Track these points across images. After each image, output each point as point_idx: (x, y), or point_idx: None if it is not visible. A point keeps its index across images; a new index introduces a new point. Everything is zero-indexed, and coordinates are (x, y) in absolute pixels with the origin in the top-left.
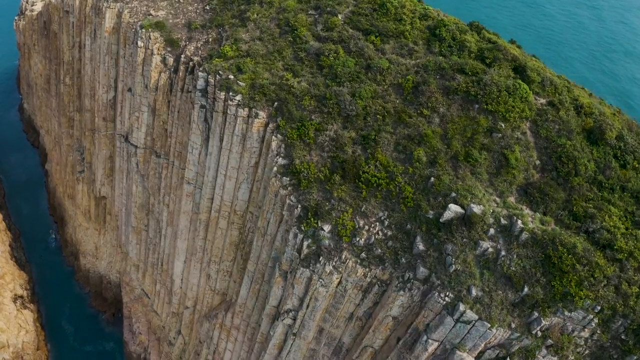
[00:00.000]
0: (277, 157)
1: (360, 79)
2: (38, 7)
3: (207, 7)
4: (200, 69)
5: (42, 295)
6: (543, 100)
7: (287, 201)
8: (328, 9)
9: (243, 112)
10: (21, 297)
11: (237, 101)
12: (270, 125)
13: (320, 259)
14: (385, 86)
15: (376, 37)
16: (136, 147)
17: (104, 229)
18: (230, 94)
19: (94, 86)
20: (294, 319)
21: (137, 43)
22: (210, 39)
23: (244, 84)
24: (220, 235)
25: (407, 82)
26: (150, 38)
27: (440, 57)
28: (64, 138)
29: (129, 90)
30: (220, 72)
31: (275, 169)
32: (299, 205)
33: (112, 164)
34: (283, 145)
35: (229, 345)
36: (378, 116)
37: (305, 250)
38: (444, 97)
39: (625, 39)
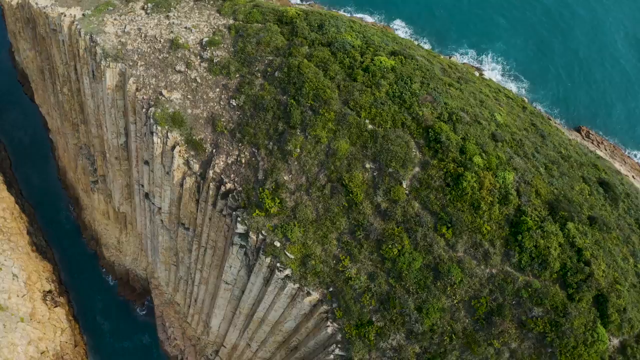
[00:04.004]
0: (335, 346)
1: (428, 287)
2: None
3: (234, 103)
4: (239, 219)
5: (70, 284)
6: (616, 341)
7: None
8: (390, 170)
9: (293, 286)
10: (50, 292)
11: (285, 274)
12: (325, 306)
13: None
14: (455, 301)
15: (448, 228)
16: (159, 208)
17: (125, 230)
18: (278, 265)
19: (100, 122)
20: None
21: (151, 134)
22: (243, 160)
23: (292, 257)
24: (262, 332)
25: (480, 305)
26: (168, 137)
27: (520, 277)
28: (69, 137)
29: (146, 163)
30: (263, 231)
31: (332, 356)
32: None
33: (130, 190)
34: (340, 335)
35: None
36: (445, 337)
37: None
38: (517, 331)
39: None
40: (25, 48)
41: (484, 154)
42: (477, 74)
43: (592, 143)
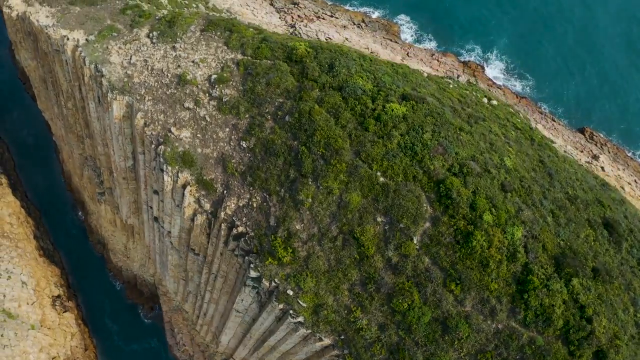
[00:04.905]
0: None
1: (436, 340)
2: (15, 2)
3: (244, 144)
4: (252, 265)
5: (78, 287)
6: None
7: None
8: (401, 225)
9: (305, 331)
10: (58, 296)
11: (298, 320)
12: (336, 351)
13: None
14: (462, 354)
15: (457, 285)
16: (169, 232)
17: (133, 239)
18: (291, 312)
19: (107, 142)
20: None
21: (161, 171)
22: (255, 204)
23: (305, 305)
24: (273, 357)
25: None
26: (178, 176)
27: (525, 334)
28: (74, 147)
29: (155, 192)
30: (276, 279)
31: None
32: None
33: (138, 206)
34: None
35: None
36: None
37: None
38: None
39: None
40: (26, 57)
41: (493, 209)
42: (485, 100)
43: (596, 145)
